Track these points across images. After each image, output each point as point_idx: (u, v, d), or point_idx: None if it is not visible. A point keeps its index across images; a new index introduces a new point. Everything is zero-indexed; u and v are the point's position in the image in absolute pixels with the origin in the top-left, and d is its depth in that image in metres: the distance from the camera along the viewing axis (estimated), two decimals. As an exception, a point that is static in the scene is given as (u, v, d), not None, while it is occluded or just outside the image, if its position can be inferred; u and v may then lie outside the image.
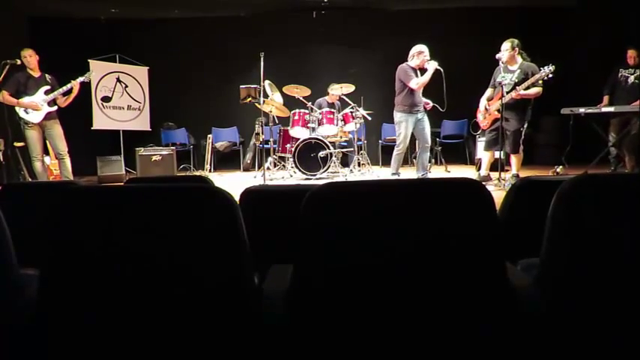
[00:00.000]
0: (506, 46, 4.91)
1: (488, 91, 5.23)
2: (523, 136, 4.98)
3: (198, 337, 1.10)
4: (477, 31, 7.60)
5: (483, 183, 2.15)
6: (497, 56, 4.92)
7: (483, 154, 5.38)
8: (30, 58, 5.26)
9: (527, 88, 4.75)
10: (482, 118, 5.23)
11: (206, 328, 1.10)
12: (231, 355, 1.12)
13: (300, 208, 1.08)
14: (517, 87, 4.78)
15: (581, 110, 5.40)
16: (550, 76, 4.67)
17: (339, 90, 6.42)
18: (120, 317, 1.10)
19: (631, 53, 5.81)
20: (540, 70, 4.73)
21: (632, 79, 5.80)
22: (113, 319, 1.10)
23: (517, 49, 4.90)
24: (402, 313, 1.08)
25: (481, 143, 5.99)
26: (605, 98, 5.92)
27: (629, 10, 6.53)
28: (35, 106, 5.21)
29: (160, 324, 1.10)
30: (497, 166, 4.98)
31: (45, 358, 1.12)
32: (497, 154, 5.16)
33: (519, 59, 4.92)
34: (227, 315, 1.11)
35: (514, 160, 5.05)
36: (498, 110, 4.88)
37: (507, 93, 4.78)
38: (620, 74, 5.89)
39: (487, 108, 5.12)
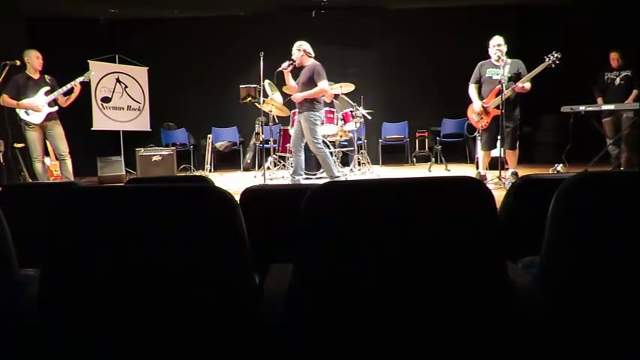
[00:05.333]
0: (501, 41, 4.92)
1: (474, 88, 5.18)
2: (519, 132, 5.04)
3: (198, 337, 1.09)
4: (476, 29, 7.58)
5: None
6: (499, 53, 4.89)
7: (482, 153, 5.33)
8: (37, 60, 5.26)
9: (527, 81, 4.79)
10: (480, 119, 5.15)
11: (206, 327, 1.10)
12: (231, 354, 1.12)
13: (300, 208, 1.08)
14: (517, 82, 4.79)
15: (581, 108, 5.40)
16: (557, 62, 4.69)
17: (337, 89, 6.41)
18: (120, 317, 1.10)
19: (614, 56, 5.89)
20: (545, 58, 4.78)
21: (618, 80, 5.87)
22: (113, 319, 1.10)
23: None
24: (403, 312, 1.08)
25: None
26: (600, 100, 5.95)
27: (630, 8, 6.53)
28: (36, 108, 5.21)
29: (160, 323, 1.10)
30: (494, 164, 4.97)
31: (45, 358, 1.12)
32: (493, 153, 5.17)
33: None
34: (227, 314, 1.11)
35: (512, 156, 5.04)
36: (497, 107, 4.86)
37: (506, 88, 4.75)
38: (605, 77, 5.96)
39: (485, 107, 5.07)
